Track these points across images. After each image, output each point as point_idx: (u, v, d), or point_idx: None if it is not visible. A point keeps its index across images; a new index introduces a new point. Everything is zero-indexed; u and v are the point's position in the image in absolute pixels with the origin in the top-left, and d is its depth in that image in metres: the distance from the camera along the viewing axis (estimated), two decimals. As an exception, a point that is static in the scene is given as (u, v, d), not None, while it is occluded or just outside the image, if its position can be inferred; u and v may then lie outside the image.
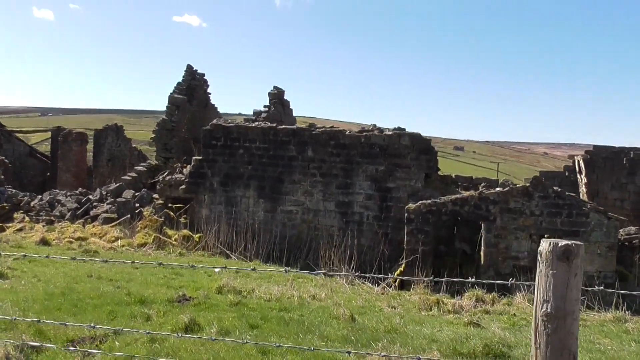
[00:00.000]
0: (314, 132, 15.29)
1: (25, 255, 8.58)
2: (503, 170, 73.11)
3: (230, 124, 15.91)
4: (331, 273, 10.56)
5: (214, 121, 16.17)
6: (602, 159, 20.05)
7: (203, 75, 20.49)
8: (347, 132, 15.18)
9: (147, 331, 5.11)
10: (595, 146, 20.36)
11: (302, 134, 15.36)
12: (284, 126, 15.66)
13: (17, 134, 27.51)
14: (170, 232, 15.20)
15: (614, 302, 10.53)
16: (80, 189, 17.57)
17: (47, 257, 5.28)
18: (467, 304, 11.02)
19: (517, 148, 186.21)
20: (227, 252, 14.58)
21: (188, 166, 16.60)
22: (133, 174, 17.41)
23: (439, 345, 6.01)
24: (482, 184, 15.04)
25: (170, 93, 19.30)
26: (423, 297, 10.95)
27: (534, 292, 2.97)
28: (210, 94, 21.06)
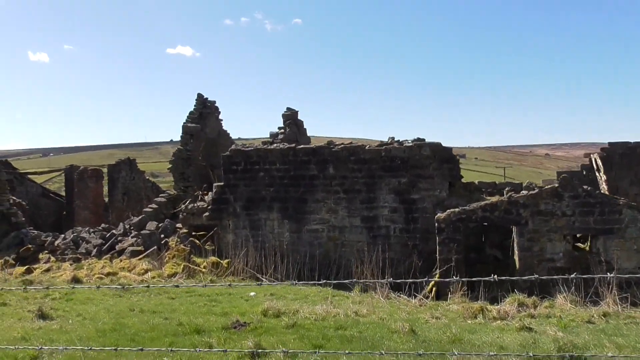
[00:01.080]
0: (333, 150, 15.33)
1: (73, 288, 8.52)
2: (509, 175, 73.11)
3: (249, 148, 15.96)
4: (366, 280, 10.44)
5: (232, 147, 16.23)
6: (618, 156, 20.01)
7: (214, 102, 20.64)
8: (366, 147, 15.22)
9: None
10: (610, 143, 20.33)
11: (322, 152, 15.41)
12: (302, 146, 15.71)
13: (29, 176, 27.60)
14: (198, 260, 15.14)
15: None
16: (102, 225, 17.56)
17: (122, 286, 5.21)
18: (510, 310, 10.94)
19: (519, 151, 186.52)
20: (258, 275, 14.50)
21: (210, 193, 16.60)
22: (154, 206, 17.41)
23: (511, 351, 5.93)
24: (506, 189, 15.01)
25: (183, 122, 19.42)
26: (466, 306, 10.86)
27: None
28: (222, 120, 21.20)
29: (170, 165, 18.98)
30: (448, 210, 13.31)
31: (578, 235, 13.13)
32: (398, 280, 4.84)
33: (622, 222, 11.97)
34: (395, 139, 15.45)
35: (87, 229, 17.45)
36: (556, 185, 12.34)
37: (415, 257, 14.38)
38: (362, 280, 11.65)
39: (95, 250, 15.72)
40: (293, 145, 15.75)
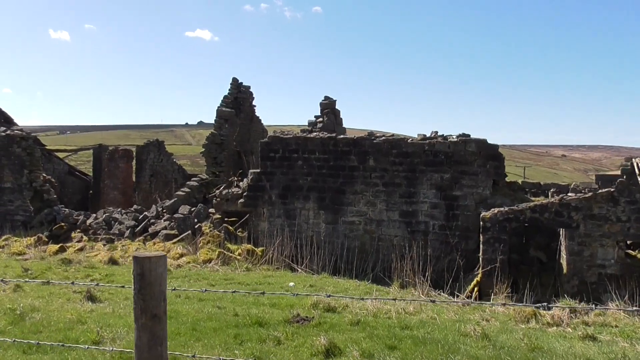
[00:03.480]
0: (375, 142, 14.98)
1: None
2: (528, 175, 72.23)
3: (288, 135, 15.66)
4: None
5: (271, 133, 15.94)
6: (661, 160, 19.45)
7: (248, 87, 20.32)
8: (409, 140, 14.85)
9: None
10: (653, 147, 19.79)
11: (363, 144, 15.06)
12: (343, 136, 15.38)
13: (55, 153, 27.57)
14: (232, 246, 14.94)
15: None
16: (135, 206, 17.39)
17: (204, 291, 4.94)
18: (562, 315, 10.59)
19: (535, 151, 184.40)
20: (293, 265, 14.27)
21: (245, 179, 16.36)
22: (186, 189, 17.21)
23: (604, 364, 5.60)
24: (551, 190, 14.59)
25: (218, 106, 19.13)
26: (517, 309, 10.53)
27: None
28: (255, 106, 20.89)
29: (202, 150, 18.73)
30: (495, 209, 12.94)
31: (629, 242, 12.72)
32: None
33: (679, 230, 11.53)
34: (439, 134, 15.07)
35: (119, 209, 17.31)
36: (612, 189, 11.91)
37: (454, 255, 14.06)
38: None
39: (128, 231, 15.57)
40: (334, 134, 15.42)
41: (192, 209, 16.21)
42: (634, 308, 10.26)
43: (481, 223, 12.83)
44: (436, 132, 15.15)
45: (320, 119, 17.08)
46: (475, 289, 12.87)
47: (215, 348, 6.03)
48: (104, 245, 14.92)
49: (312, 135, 15.47)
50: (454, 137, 14.61)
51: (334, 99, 17.71)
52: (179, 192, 17.11)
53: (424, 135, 15.05)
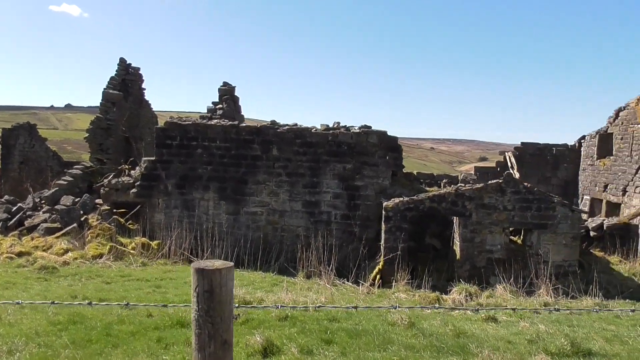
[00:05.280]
0: (279, 131, 14.75)
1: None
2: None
3: (187, 122, 14.82)
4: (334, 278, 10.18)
5: (169, 119, 14.97)
6: (529, 155, 21.65)
7: (138, 69, 18.85)
8: (313, 130, 14.83)
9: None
10: (523, 143, 21.92)
11: (267, 133, 14.75)
12: (246, 124, 14.92)
13: None
14: (124, 240, 13.84)
15: (590, 289, 11.37)
16: (6, 197, 15.35)
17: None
18: (459, 298, 11.32)
19: (407, 143, 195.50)
20: (193, 258, 13.58)
21: (137, 168, 15.22)
22: (69, 178, 15.59)
23: (526, 347, 5.99)
24: (443, 181, 15.49)
25: (104, 89, 17.51)
26: (423, 295, 11.02)
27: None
28: (145, 89, 19.48)
29: (87, 135, 17.05)
30: (396, 199, 13.41)
31: (511, 229, 13.91)
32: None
33: (555, 218, 12.85)
34: (342, 124, 15.24)
35: (-15, 200, 15.17)
36: (500, 180, 12.90)
37: (357, 244, 14.36)
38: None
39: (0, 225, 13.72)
40: (236, 122, 14.90)
41: (77, 200, 14.73)
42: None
43: (383, 212, 13.22)
44: (338, 123, 15.30)
45: (220, 106, 16.38)
46: (378, 276, 13.25)
47: (139, 354, 5.46)
48: (-31, 241, 12.98)
49: (213, 123, 14.81)
50: (356, 128, 14.87)
51: (233, 85, 17.10)
52: (60, 181, 15.45)
53: (327, 126, 15.12)
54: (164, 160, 14.78)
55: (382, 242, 13.36)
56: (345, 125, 15.01)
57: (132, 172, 15.34)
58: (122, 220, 14.58)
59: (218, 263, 2.64)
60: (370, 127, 14.93)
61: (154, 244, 14.02)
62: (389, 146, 14.74)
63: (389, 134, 14.82)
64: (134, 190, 14.74)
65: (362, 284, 13.07)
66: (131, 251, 13.41)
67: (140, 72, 19.01)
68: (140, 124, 18.96)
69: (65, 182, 15.42)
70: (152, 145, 15.95)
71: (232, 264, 2.70)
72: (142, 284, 10.56)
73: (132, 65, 18.56)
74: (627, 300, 11.32)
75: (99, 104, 17.07)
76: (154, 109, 20.75)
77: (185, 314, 7.00)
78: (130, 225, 14.92)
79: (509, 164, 21.57)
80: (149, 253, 13.58)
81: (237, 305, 8.18)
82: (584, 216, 17.98)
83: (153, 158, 14.82)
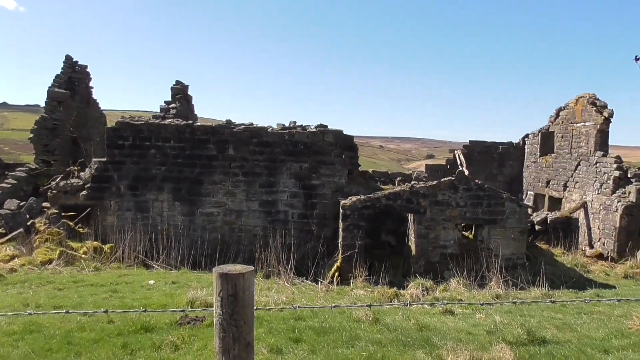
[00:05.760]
0: (234, 130, 14.64)
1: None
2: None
3: (140, 122, 14.47)
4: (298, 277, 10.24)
5: (120, 119, 14.56)
6: (477, 153, 22.43)
7: (85, 67, 18.18)
8: (270, 130, 14.81)
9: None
10: (471, 141, 22.68)
11: (222, 132, 14.61)
12: (201, 124, 14.72)
13: None
14: (75, 244, 13.36)
15: (537, 280, 11.95)
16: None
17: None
18: (416, 293, 11.63)
19: (356, 142, 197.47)
20: (148, 261, 13.29)
21: (87, 169, 14.72)
22: (12, 181, 14.89)
23: (486, 337, 6.26)
24: (397, 179, 15.82)
25: (49, 87, 16.80)
26: (381, 291, 11.25)
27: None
28: (92, 88, 18.79)
29: (31, 136, 16.31)
30: (353, 197, 13.61)
31: (463, 225, 14.41)
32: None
33: (504, 213, 13.41)
34: (298, 124, 15.30)
35: None
36: (453, 178, 13.33)
37: (315, 243, 14.48)
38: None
39: (-64, 232, 12.94)
40: (190, 122, 14.67)
41: (22, 204, 14.10)
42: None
43: (341, 211, 13.39)
44: (294, 122, 15.35)
45: (173, 105, 16.07)
46: (336, 274, 13.42)
47: (108, 362, 5.34)
48: None
49: (166, 122, 14.52)
50: (313, 127, 14.97)
51: (186, 84, 16.82)
52: (3, 185, 14.72)
53: (284, 125, 15.14)
54: (115, 161, 14.37)
55: (340, 240, 13.54)
56: (302, 125, 15.08)
57: (82, 173, 14.82)
58: (71, 224, 14.07)
59: (239, 267, 2.68)
60: (326, 126, 15.07)
61: (106, 247, 13.61)
62: (345, 145, 14.93)
63: (344, 132, 15.00)
64: (84, 192, 14.25)
65: (321, 282, 13.18)
66: (83, 256, 12.95)
67: (88, 70, 18.36)
68: (88, 124, 18.33)
69: (9, 185, 14.71)
70: (102, 145, 15.48)
71: (252, 268, 2.75)
72: (97, 289, 10.23)
73: (79, 62, 17.91)
74: (570, 289, 11.97)
75: (38, 103, 16.46)
76: (102, 108, 20.10)
77: (149, 318, 6.88)
78: (80, 229, 14.42)
79: (459, 161, 22.28)
80: (102, 257, 13.17)
81: (200, 308, 8.13)
82: (529, 211, 18.85)
83: (104, 159, 14.38)
